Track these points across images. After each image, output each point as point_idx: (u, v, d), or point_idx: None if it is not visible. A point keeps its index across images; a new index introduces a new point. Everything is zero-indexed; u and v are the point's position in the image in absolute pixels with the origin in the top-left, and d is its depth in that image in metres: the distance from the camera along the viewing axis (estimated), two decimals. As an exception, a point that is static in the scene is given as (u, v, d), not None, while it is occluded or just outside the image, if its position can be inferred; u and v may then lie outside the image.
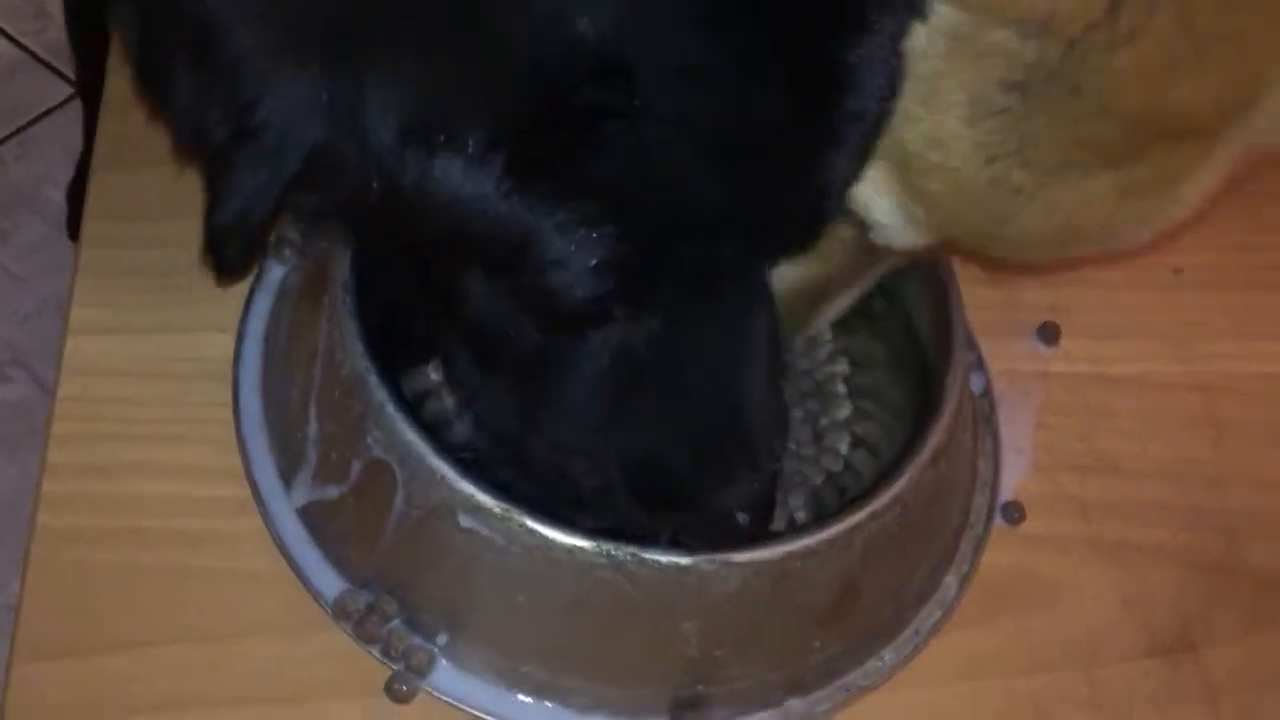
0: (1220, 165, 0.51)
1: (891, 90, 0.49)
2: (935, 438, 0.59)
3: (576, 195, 0.45)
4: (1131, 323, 0.76)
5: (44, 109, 1.48)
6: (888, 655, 0.62)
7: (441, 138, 0.44)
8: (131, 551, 0.61)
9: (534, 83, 0.44)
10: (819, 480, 0.66)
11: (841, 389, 0.69)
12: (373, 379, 0.57)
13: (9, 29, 1.55)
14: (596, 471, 0.55)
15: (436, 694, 0.58)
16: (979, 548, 0.65)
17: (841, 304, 0.63)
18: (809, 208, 0.51)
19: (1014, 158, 0.49)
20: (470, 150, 0.45)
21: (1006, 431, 0.70)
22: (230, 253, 0.51)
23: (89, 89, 1.24)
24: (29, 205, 1.41)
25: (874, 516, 0.57)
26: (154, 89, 0.52)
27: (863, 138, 0.49)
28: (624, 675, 0.58)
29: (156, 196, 0.68)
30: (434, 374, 0.65)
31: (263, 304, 0.67)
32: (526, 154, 0.45)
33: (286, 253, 0.68)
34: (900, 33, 0.48)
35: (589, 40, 0.43)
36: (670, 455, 0.53)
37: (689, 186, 0.47)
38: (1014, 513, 0.68)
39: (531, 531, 0.54)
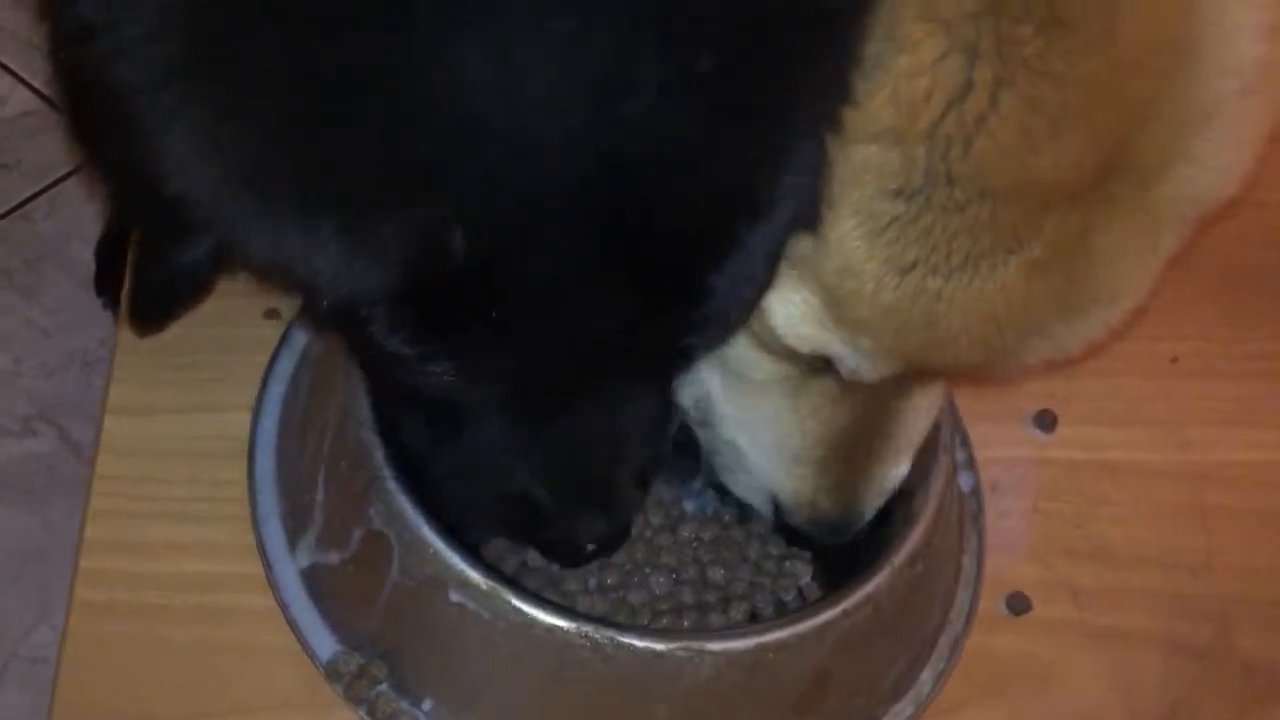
0: (1146, 233, 0.51)
1: (757, 290, 0.51)
2: (912, 542, 0.61)
3: (434, 355, 0.50)
4: (1128, 410, 0.77)
5: (74, 166, 1.47)
6: (859, 749, 0.63)
7: (332, 290, 0.48)
8: (160, 627, 0.64)
9: (412, 274, 0.47)
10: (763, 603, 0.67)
11: None
12: (379, 452, 0.59)
13: (41, 88, 1.56)
14: (479, 497, 0.59)
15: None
16: (957, 646, 0.67)
17: (895, 468, 0.63)
18: (667, 367, 0.56)
19: (922, 265, 0.50)
20: (352, 302, 0.49)
21: (1003, 520, 0.71)
22: (151, 314, 0.57)
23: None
24: (57, 261, 1.43)
25: (846, 614, 0.59)
26: (89, 150, 0.57)
27: (722, 330, 0.53)
28: (596, 756, 0.59)
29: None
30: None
31: (284, 368, 0.69)
32: (397, 317, 0.49)
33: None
34: (777, 242, 0.50)
35: (458, 250, 0.46)
36: (535, 497, 0.57)
37: (539, 365, 0.51)
38: (1020, 604, 0.68)
39: (516, 609, 0.57)
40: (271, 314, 0.72)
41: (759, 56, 0.47)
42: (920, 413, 0.62)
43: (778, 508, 0.64)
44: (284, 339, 0.70)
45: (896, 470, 0.63)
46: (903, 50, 0.47)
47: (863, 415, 0.60)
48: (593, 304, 0.49)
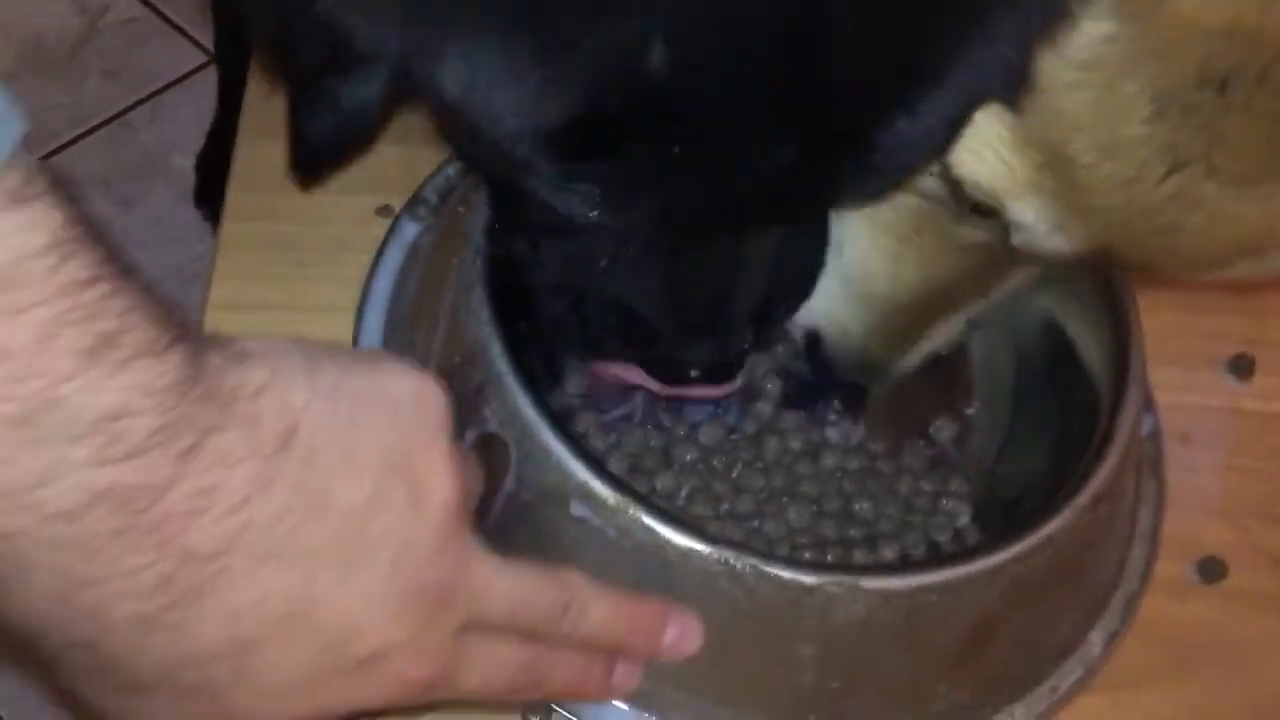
0: None
1: (928, 153, 0.49)
2: (1099, 479, 0.53)
3: (583, 177, 0.48)
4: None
5: (177, 76, 1.47)
6: (1019, 711, 0.56)
7: (492, 113, 0.47)
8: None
9: (591, 95, 0.45)
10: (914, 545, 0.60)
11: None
12: (495, 348, 0.53)
13: None
14: (585, 308, 0.56)
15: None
16: (1130, 608, 0.59)
17: (950, 327, 0.58)
18: (814, 211, 0.55)
19: (1200, 164, 0.45)
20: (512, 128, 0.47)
21: (1191, 475, 0.64)
22: (319, 164, 0.55)
23: (226, 59, 1.24)
24: (157, 172, 1.41)
25: (1020, 557, 0.52)
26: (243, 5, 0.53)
27: (879, 188, 0.51)
28: (730, 695, 0.53)
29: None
30: (571, 390, 0.61)
31: (392, 261, 0.64)
32: (554, 136, 0.47)
33: (421, 211, 0.65)
34: (958, 109, 0.48)
35: (653, 74, 0.44)
36: (644, 314, 0.55)
37: (690, 204, 0.49)
38: (1213, 570, 0.62)
39: (646, 527, 0.50)
40: (384, 210, 0.68)
41: None
42: (1019, 278, 0.56)
43: (810, 343, 0.60)
44: (392, 230, 0.65)
45: (939, 336, 0.58)
46: None
47: (969, 274, 0.55)
48: (759, 143, 0.47)
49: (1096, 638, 0.58)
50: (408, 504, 0.42)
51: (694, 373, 0.57)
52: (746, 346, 0.58)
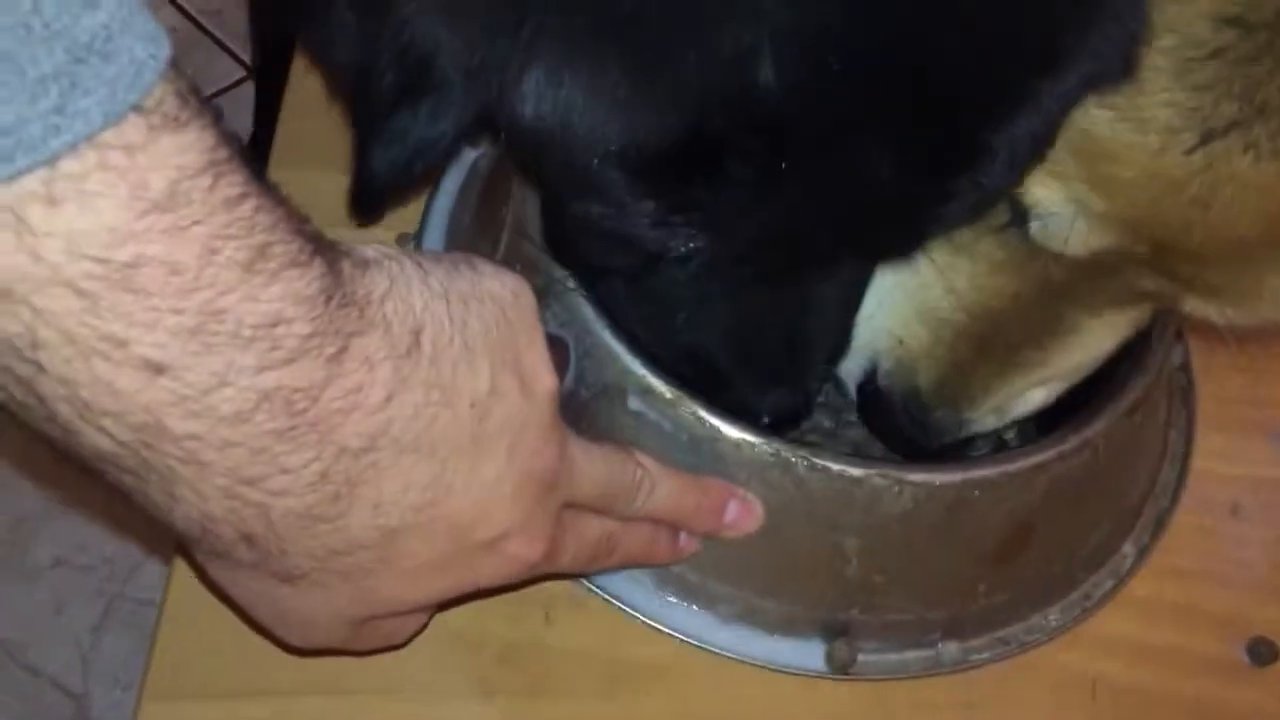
0: None
1: (1036, 153, 0.47)
2: (1136, 389, 0.55)
3: (681, 209, 0.46)
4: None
5: (214, 90, 1.47)
6: (1053, 615, 0.58)
7: (581, 133, 0.45)
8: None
9: (694, 113, 0.43)
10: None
11: None
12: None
13: (188, 7, 1.56)
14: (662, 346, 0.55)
15: (582, 580, 0.56)
16: (1162, 521, 0.61)
17: (1018, 387, 0.55)
18: (910, 238, 0.51)
19: (1236, 133, 0.43)
20: (603, 148, 0.45)
21: (1243, 549, 0.62)
22: (378, 198, 0.52)
23: (263, 74, 1.23)
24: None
25: (1061, 457, 0.54)
26: (314, 26, 0.53)
27: (978, 200, 0.48)
28: (777, 587, 0.55)
29: (326, 200, 0.65)
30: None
31: (452, 183, 0.66)
32: (651, 166, 0.45)
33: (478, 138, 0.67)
34: (1069, 102, 0.45)
35: (761, 88, 0.42)
36: (721, 357, 0.54)
37: (792, 225, 0.47)
38: (1264, 653, 0.59)
39: (701, 420, 0.53)
40: (404, 239, 0.67)
41: None
42: (1088, 341, 0.53)
43: (867, 378, 0.57)
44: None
45: (1023, 392, 0.55)
46: None
47: (1023, 305, 0.52)
48: (869, 157, 0.44)
49: (1129, 549, 0.60)
50: (519, 394, 0.44)
51: (764, 420, 0.55)
52: (816, 391, 0.56)
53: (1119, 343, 0.55)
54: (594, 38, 0.43)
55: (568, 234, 0.54)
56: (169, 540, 0.52)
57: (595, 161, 0.45)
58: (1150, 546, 0.61)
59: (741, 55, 0.42)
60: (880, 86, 0.43)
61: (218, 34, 1.53)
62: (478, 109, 0.46)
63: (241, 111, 1.34)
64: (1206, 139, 0.43)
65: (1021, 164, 0.47)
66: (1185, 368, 0.66)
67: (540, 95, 0.44)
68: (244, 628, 0.51)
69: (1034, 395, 0.55)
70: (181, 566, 0.55)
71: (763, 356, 0.54)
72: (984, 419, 0.56)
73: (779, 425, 0.55)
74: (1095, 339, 0.54)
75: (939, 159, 0.46)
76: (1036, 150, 0.47)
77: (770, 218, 0.46)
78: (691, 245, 0.47)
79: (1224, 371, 0.64)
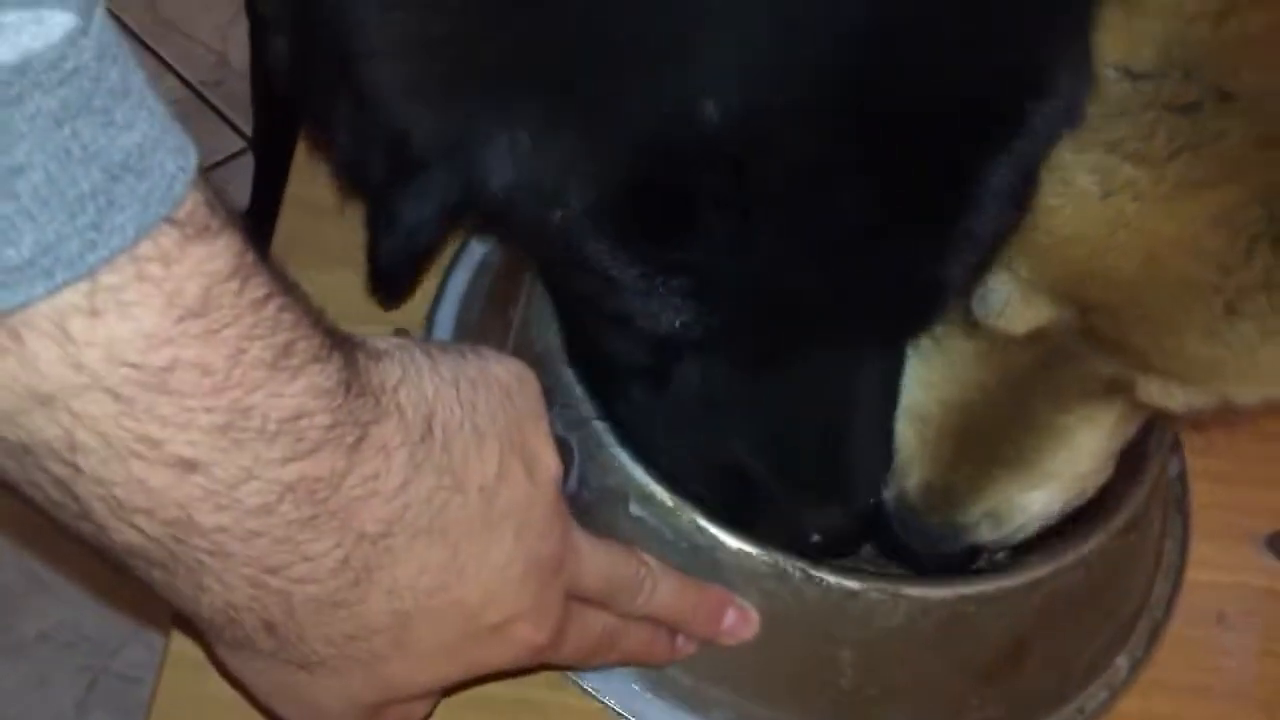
0: None
1: (1019, 210, 0.46)
2: (1131, 505, 0.56)
3: (663, 270, 0.46)
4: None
5: (214, 161, 1.48)
6: (1047, 729, 0.58)
7: (549, 200, 0.45)
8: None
9: (649, 160, 0.44)
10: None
11: None
12: (563, 355, 0.56)
13: (189, 77, 1.57)
14: (690, 460, 0.54)
15: (577, 681, 0.56)
16: (1156, 634, 0.62)
17: (1013, 491, 0.54)
18: (915, 309, 0.49)
19: (1131, 188, 0.44)
20: (573, 209, 0.45)
21: (1227, 660, 0.61)
22: (396, 281, 0.53)
23: (263, 146, 1.25)
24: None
25: (1057, 573, 0.54)
26: (316, 122, 0.54)
27: (979, 253, 0.47)
28: (770, 695, 0.55)
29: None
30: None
31: (460, 280, 0.67)
32: (624, 225, 0.45)
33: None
34: (1043, 152, 0.45)
35: (710, 126, 0.43)
36: (758, 471, 0.52)
37: (778, 279, 0.46)
38: None
39: (701, 529, 0.53)
40: (401, 333, 0.66)
41: None
42: (1067, 440, 0.53)
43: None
44: (462, 249, 0.68)
45: (1012, 496, 0.54)
46: None
47: (991, 398, 0.52)
48: (845, 193, 0.44)
49: (1123, 662, 0.60)
50: (525, 477, 0.45)
51: (815, 538, 0.52)
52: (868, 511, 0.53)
53: (1106, 445, 0.55)
54: (543, 99, 0.44)
55: (576, 328, 0.55)
56: (155, 617, 0.53)
57: (570, 225, 0.45)
58: (1144, 659, 0.61)
59: (684, 96, 0.42)
60: (832, 114, 0.43)
61: (219, 105, 1.55)
62: (459, 189, 0.47)
63: (241, 181, 1.35)
64: (1108, 192, 0.45)
65: (1019, 196, 0.46)
66: (1182, 478, 0.66)
67: (502, 163, 0.45)
68: (237, 709, 0.52)
69: (1030, 503, 0.55)
70: (174, 650, 0.55)
71: (801, 467, 0.52)
72: (978, 527, 0.55)
73: (835, 548, 0.53)
74: (1074, 437, 0.53)
75: (926, 189, 0.44)
76: (1030, 182, 0.46)
77: (755, 268, 0.45)
78: (685, 319, 0.46)
79: (1202, 482, 0.65)
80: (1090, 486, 0.56)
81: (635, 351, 0.51)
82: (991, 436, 0.53)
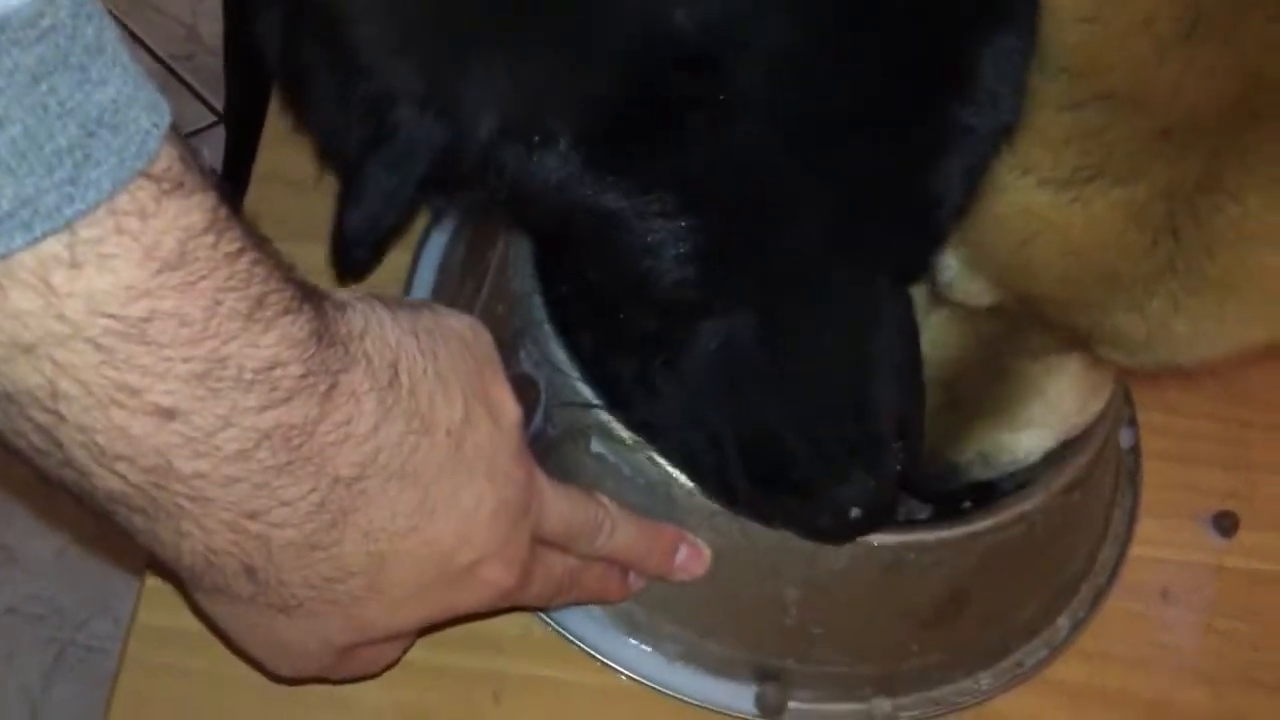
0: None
1: (1015, 103, 0.46)
2: (1073, 468, 0.58)
3: (658, 187, 0.46)
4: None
5: (184, 134, 1.47)
6: (985, 680, 0.60)
7: (535, 137, 0.46)
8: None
9: (625, 74, 0.44)
10: None
11: None
12: (536, 298, 0.58)
13: (159, 51, 1.56)
14: (714, 448, 0.54)
15: (542, 618, 0.58)
16: (1099, 599, 0.64)
17: (1012, 426, 0.57)
18: (913, 220, 0.48)
19: (1033, 173, 0.47)
20: (561, 146, 0.46)
21: (1169, 634, 0.63)
22: (358, 255, 0.54)
23: (235, 120, 1.25)
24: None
25: (997, 528, 0.56)
26: (296, 98, 0.55)
27: (974, 153, 0.47)
28: (719, 629, 0.58)
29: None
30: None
31: (439, 241, 0.68)
32: (613, 147, 0.46)
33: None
34: (1028, 48, 0.45)
35: (683, 31, 0.43)
36: (786, 441, 0.52)
37: (771, 179, 0.46)
38: None
39: (657, 465, 0.55)
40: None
41: None
42: (1044, 386, 0.56)
43: None
44: (430, 227, 0.69)
45: (1001, 440, 0.57)
46: None
47: (970, 355, 0.56)
48: (830, 80, 0.43)
49: (1064, 622, 0.62)
50: (489, 422, 0.47)
51: (854, 513, 0.51)
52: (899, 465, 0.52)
53: (1081, 384, 0.57)
54: (513, 30, 0.45)
55: (581, 321, 0.56)
56: (121, 591, 0.54)
57: (559, 164, 0.45)
58: (1085, 621, 0.63)
59: (651, 7, 0.43)
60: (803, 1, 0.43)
61: (189, 78, 1.54)
62: (446, 146, 0.47)
63: (211, 154, 1.32)
64: (1023, 173, 0.47)
65: (1016, 87, 0.45)
66: (1135, 450, 0.68)
67: (485, 104, 0.46)
68: (202, 680, 0.54)
69: (1016, 443, 0.58)
70: (140, 622, 0.57)
71: (828, 431, 0.51)
72: (971, 466, 0.58)
73: (875, 520, 0.52)
74: (1047, 383, 0.56)
75: (917, 76, 0.44)
76: (1025, 70, 0.45)
77: (745, 169, 0.45)
78: (684, 249, 0.46)
79: (1150, 461, 0.66)
80: (1079, 418, 0.58)
81: (643, 319, 0.52)
82: (972, 389, 0.57)
